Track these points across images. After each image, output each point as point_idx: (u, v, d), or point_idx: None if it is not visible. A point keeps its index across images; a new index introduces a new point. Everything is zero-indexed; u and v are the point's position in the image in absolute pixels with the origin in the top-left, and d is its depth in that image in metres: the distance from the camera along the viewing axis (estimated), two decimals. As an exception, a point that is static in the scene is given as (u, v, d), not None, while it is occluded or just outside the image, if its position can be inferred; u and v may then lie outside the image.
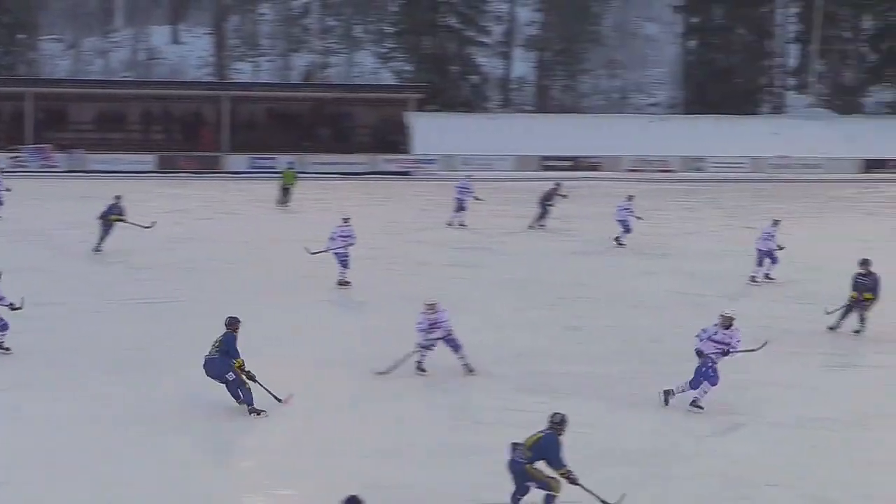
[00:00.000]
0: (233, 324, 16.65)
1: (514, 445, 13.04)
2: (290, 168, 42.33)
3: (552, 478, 12.82)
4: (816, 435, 15.83)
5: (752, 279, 27.68)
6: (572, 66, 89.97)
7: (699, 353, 16.97)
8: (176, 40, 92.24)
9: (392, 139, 57.95)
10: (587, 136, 65.31)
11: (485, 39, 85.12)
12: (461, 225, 36.05)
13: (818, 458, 14.90)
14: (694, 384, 16.85)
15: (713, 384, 16.78)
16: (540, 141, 62.39)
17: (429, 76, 78.78)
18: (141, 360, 19.25)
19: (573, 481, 12.75)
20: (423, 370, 18.26)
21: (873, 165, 61.43)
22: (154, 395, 17.38)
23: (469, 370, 18.36)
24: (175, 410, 16.64)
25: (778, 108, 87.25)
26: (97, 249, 29.26)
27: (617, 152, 59.70)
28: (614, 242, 32.65)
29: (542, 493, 12.91)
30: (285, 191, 41.31)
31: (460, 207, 36.39)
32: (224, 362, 16.47)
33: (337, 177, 51.24)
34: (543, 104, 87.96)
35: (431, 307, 18.04)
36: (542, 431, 13.05)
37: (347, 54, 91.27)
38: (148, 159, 53.32)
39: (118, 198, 30.01)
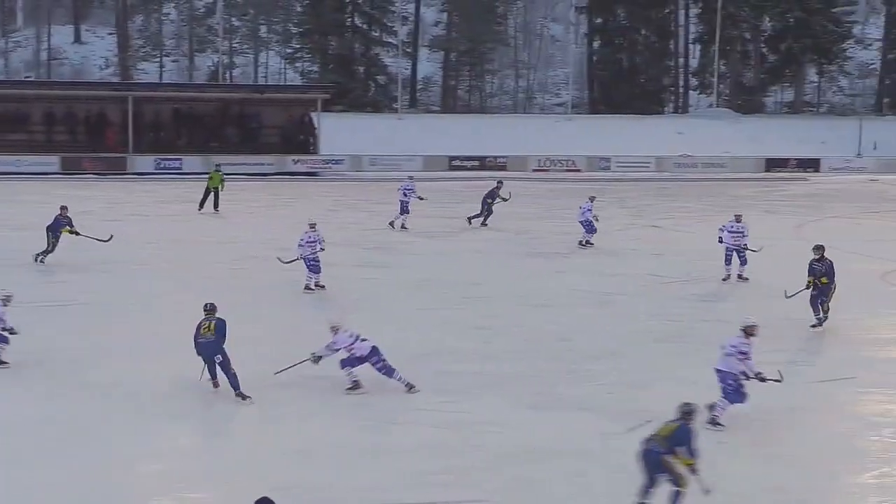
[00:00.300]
0: (213, 309, 17.68)
1: (648, 438, 12.96)
2: (216, 170, 40.42)
3: (682, 473, 12.77)
4: (723, 431, 15.99)
5: (725, 279, 27.34)
6: (478, 67, 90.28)
7: (719, 371, 16.47)
8: (78, 40, 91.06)
9: (299, 140, 57.74)
10: (494, 136, 65.56)
11: (391, 40, 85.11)
12: (403, 227, 35.54)
13: (726, 454, 15.05)
14: (732, 399, 16.34)
15: (734, 402, 16.27)
16: (447, 141, 62.47)
17: (335, 76, 78.60)
18: (46, 364, 18.95)
19: (695, 472, 12.73)
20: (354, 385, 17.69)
21: (774, 164, 62.39)
22: (58, 400, 17.12)
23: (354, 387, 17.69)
24: (80, 416, 16.40)
25: (681, 108, 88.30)
26: (41, 260, 27.96)
27: (523, 152, 59.99)
28: (579, 245, 32.41)
29: (672, 488, 12.82)
30: (212, 193, 39.44)
31: (404, 209, 35.81)
32: (219, 344, 17.23)
33: (245, 177, 50.86)
34: (450, 104, 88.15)
35: (334, 329, 17.64)
36: (674, 422, 12.98)
37: (253, 55, 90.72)
38: (52, 160, 52.62)
39: (64, 208, 28.51)
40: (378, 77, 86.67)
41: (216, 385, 17.36)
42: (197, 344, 17.47)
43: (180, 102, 58.38)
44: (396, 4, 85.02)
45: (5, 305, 19.02)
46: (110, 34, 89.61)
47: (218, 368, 17.26)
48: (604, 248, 32.75)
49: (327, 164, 56.45)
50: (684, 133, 70.67)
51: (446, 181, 52.46)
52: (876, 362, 20.31)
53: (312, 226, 26.01)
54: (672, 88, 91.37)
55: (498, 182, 37.54)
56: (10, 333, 18.87)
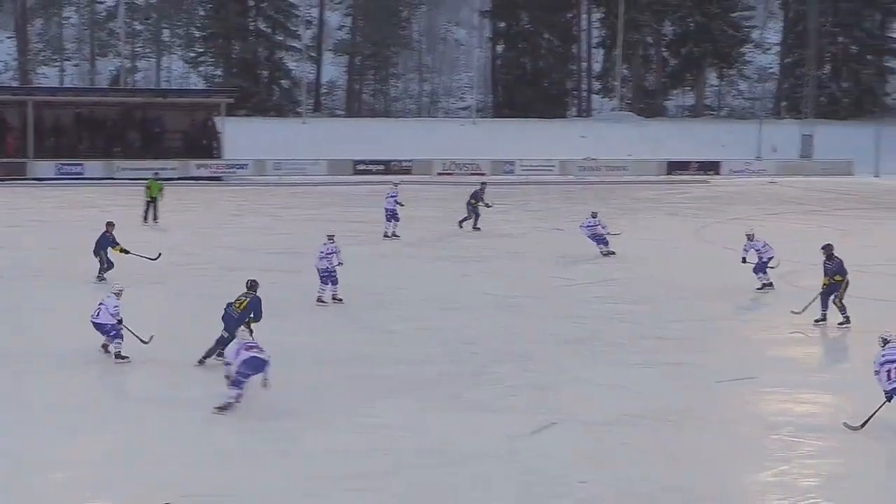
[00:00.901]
0: (254, 286, 19.05)
1: (229, 304, 13.26)
2: (154, 179, 38.44)
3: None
4: (627, 431, 16.17)
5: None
6: (382, 71, 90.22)
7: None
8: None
9: (203, 144, 57.30)
10: (399, 139, 65.60)
11: (295, 44, 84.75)
12: (395, 235, 35.05)
13: (628, 454, 15.23)
14: None
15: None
16: (352, 145, 62.39)
17: (239, 81, 78.06)
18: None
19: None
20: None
21: (675, 167, 63.11)
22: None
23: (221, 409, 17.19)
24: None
25: (584, 112, 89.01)
26: (100, 279, 26.56)
27: (428, 156, 60.06)
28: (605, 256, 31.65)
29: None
30: (151, 204, 37.66)
31: (392, 217, 35.18)
32: (242, 320, 18.33)
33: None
34: (354, 108, 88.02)
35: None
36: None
37: (156, 59, 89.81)
38: (-50, 166, 51.72)
39: (110, 225, 27.13)
40: (282, 81, 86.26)
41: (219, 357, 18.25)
42: (225, 314, 18.58)
43: (82, 107, 57.59)
44: (300, 8, 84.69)
45: (118, 298, 19.51)
46: (9, 38, 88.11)
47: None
48: (509, 251, 32.93)
49: (231, 168, 56.08)
50: (587, 136, 71.23)
51: (351, 185, 52.43)
52: (776, 362, 20.64)
53: (331, 237, 25.27)
54: (575, 92, 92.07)
55: (482, 184, 37.60)
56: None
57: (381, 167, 57.89)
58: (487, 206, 36.75)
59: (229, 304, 18.62)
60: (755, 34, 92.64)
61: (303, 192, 49.14)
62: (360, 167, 58.05)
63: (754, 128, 71.23)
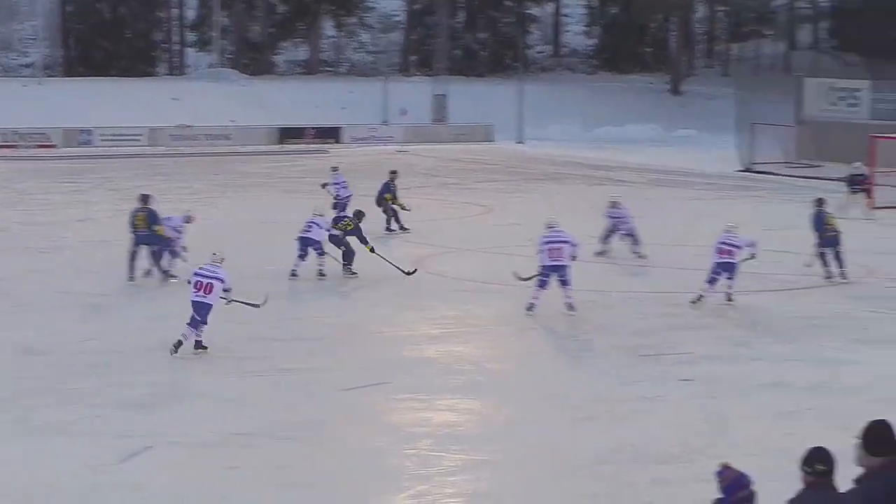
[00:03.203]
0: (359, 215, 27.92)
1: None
2: None
3: None
4: (237, 453, 16.10)
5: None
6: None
7: None
8: None
9: None
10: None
11: None
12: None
13: (240, 480, 15.18)
14: None
15: None
16: None
17: None
18: None
19: None
20: None
21: (289, 135, 63.63)
22: None
23: None
24: None
25: (177, 70, 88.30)
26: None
27: (-16, 124, 58.28)
28: (639, 258, 30.82)
29: None
30: None
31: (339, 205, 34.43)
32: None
33: None
34: None
35: None
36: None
37: None
38: None
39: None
40: None
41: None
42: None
43: None
44: None
45: (188, 222, 26.85)
46: None
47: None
48: (88, 240, 32.40)
49: None
50: (181, 99, 70.75)
51: None
52: (409, 364, 21.00)
53: (318, 214, 28.42)
54: (165, 45, 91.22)
55: (391, 173, 35.52)
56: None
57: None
58: (404, 208, 34.71)
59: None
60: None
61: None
62: None
63: (379, 87, 72.57)
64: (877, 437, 8.63)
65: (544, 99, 78.75)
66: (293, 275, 27.37)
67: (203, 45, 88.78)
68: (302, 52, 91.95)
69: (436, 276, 28.36)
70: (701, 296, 24.83)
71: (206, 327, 20.67)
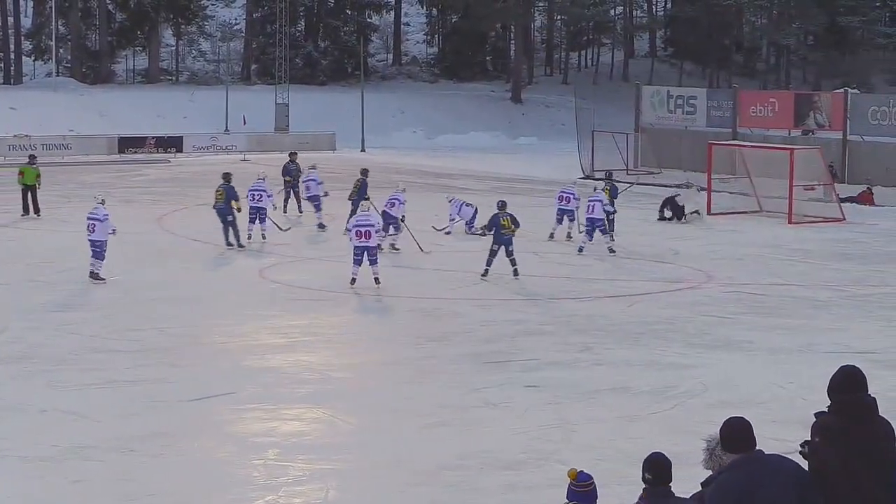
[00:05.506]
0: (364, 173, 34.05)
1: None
2: (30, 164, 38.99)
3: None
4: (79, 467, 15.83)
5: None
6: None
7: None
8: None
9: None
10: None
11: None
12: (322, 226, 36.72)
13: (84, 495, 14.93)
14: None
15: None
16: None
17: None
18: None
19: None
20: None
21: (129, 144, 62.83)
22: None
23: None
24: None
25: (13, 78, 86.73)
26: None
27: None
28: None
29: None
30: (29, 194, 38.30)
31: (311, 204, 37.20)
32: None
33: None
34: None
35: None
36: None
37: None
38: None
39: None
40: None
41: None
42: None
43: None
44: None
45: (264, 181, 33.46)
46: None
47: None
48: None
49: None
50: (17, 108, 69.59)
51: None
52: (255, 373, 20.84)
53: (313, 168, 36.99)
54: (1, 54, 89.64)
55: (363, 169, 37.13)
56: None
57: None
58: (369, 198, 33.17)
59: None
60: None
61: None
62: None
63: (221, 95, 72.07)
64: (734, 434, 8.63)
65: (386, 107, 78.90)
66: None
67: (40, 53, 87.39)
68: (142, 61, 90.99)
69: (280, 286, 28.22)
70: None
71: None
